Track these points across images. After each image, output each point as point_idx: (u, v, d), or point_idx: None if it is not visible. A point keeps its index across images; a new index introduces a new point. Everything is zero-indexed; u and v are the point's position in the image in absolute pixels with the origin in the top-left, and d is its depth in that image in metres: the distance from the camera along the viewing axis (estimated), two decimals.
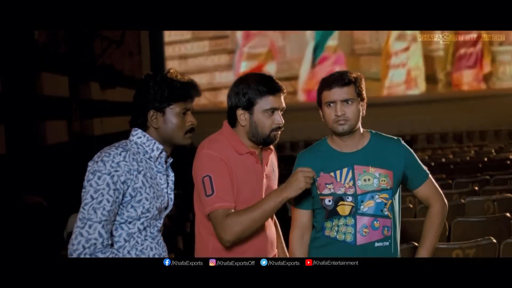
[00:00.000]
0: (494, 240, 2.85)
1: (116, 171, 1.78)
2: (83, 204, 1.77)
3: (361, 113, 2.12)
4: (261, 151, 2.14)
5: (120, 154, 1.81)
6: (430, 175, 2.23)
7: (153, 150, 1.92)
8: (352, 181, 2.08)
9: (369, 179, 2.08)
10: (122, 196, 1.80)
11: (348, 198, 2.08)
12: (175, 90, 1.90)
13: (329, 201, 2.10)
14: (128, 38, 12.91)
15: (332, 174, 2.11)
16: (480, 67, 14.84)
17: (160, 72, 1.94)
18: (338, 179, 2.10)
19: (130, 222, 1.84)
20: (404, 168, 2.13)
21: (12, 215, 4.71)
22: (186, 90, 1.92)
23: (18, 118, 8.06)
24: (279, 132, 2.09)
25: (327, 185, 2.11)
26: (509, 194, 4.32)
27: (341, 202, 2.09)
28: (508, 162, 7.07)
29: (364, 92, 2.13)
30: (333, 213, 2.10)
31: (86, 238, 1.72)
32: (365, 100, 2.14)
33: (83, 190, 1.79)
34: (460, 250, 2.79)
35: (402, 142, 2.19)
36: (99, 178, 1.77)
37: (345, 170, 2.10)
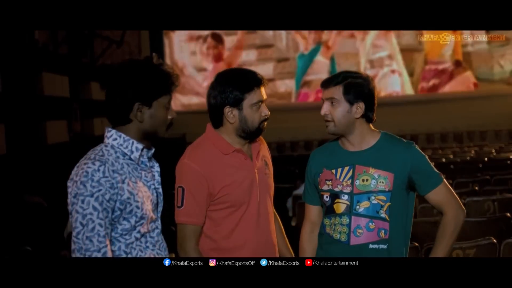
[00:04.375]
0: (494, 240, 2.84)
1: (99, 190, 1.62)
2: (75, 233, 1.62)
3: (353, 116, 2.05)
4: (250, 146, 2.14)
5: (98, 170, 1.63)
6: (444, 181, 2.11)
7: (132, 152, 1.74)
8: (350, 180, 2.07)
9: (367, 180, 2.06)
10: (111, 213, 1.66)
11: (344, 196, 2.07)
12: (166, 80, 1.74)
13: (327, 197, 2.11)
14: (128, 38, 12.93)
15: (333, 171, 2.11)
16: None
17: (141, 60, 1.76)
18: (337, 177, 2.10)
19: (125, 234, 1.72)
20: (410, 172, 2.06)
21: (12, 215, 4.71)
22: (175, 80, 1.76)
23: (18, 118, 8.08)
24: (266, 123, 2.11)
25: (326, 181, 2.12)
26: (509, 194, 4.32)
27: (337, 200, 2.09)
28: (508, 162, 7.07)
29: (364, 95, 2.05)
30: (330, 211, 2.11)
31: None
32: (362, 103, 2.05)
33: (70, 215, 1.64)
34: (460, 250, 2.78)
35: (414, 145, 2.11)
36: (82, 201, 1.61)
37: (346, 168, 2.09)
